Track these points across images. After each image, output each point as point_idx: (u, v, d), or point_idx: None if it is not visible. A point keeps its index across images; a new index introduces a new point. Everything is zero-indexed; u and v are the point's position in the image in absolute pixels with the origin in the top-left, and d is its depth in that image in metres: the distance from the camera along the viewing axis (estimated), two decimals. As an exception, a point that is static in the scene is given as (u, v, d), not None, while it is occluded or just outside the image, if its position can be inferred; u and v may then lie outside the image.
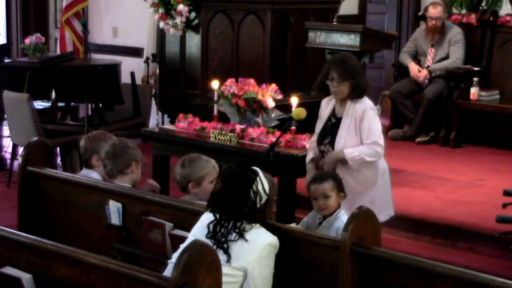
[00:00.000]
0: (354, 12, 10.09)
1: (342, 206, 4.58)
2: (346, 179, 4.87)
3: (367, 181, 5.20)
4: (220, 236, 3.79)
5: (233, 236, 3.78)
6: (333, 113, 5.28)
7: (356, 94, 5.14)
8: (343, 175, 4.87)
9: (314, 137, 5.43)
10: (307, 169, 5.35)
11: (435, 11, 8.61)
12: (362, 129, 5.13)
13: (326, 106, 5.32)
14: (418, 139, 8.61)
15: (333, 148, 5.20)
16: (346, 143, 5.14)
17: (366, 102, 5.21)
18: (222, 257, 3.67)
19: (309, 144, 5.52)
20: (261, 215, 3.85)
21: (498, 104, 8.35)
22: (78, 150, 8.16)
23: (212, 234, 3.80)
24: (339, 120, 5.21)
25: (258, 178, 3.84)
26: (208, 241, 3.70)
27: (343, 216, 4.45)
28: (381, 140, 5.17)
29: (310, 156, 5.39)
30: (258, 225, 3.82)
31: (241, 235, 3.76)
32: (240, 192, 3.81)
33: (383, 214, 5.15)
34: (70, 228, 4.83)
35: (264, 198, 3.85)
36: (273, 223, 4.01)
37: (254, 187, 3.81)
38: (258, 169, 3.91)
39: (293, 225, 4.54)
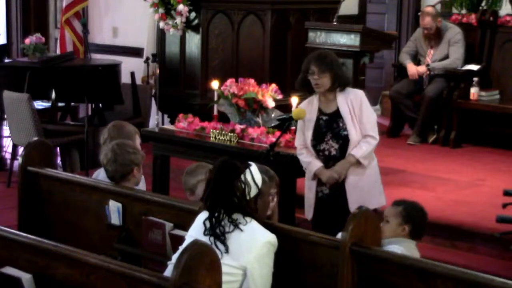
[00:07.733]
0: (354, 12, 10.08)
1: None
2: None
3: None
4: (216, 226, 3.78)
5: (227, 227, 3.78)
6: (320, 112, 5.28)
7: (337, 85, 5.20)
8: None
9: (300, 141, 5.37)
10: (319, 173, 5.30)
11: (423, 23, 8.57)
12: (361, 119, 5.21)
13: (309, 110, 5.31)
14: (430, 140, 8.58)
15: (337, 142, 5.21)
16: (357, 133, 5.20)
17: (356, 91, 5.32)
18: (220, 247, 3.71)
19: (299, 150, 5.37)
20: (252, 207, 3.84)
21: (498, 104, 8.35)
22: (78, 150, 8.26)
23: (209, 229, 3.80)
24: (331, 116, 5.24)
25: (248, 170, 3.84)
26: (206, 238, 3.72)
27: None
28: (376, 132, 5.28)
29: (309, 159, 5.33)
30: (253, 221, 3.81)
31: (236, 225, 3.77)
32: (227, 181, 3.80)
33: (373, 203, 5.19)
34: (70, 228, 4.82)
35: (254, 189, 3.84)
36: (272, 223, 4.01)
37: (242, 177, 3.81)
38: (252, 163, 3.90)
39: None
